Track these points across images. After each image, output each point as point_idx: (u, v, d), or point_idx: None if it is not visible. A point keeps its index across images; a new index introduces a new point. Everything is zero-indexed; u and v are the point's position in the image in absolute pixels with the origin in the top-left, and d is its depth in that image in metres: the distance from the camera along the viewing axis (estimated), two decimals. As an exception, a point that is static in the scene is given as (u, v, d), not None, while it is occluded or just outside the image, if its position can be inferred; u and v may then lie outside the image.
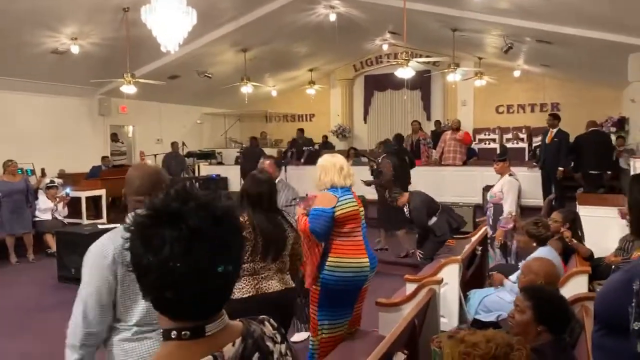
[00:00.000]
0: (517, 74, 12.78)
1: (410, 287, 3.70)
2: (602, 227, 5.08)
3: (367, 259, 3.37)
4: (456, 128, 10.51)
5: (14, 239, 7.54)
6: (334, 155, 3.56)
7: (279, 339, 1.05)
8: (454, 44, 10.32)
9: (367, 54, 14.43)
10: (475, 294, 4.01)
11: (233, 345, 0.93)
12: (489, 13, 8.30)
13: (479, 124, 13.59)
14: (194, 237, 0.87)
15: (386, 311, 3.49)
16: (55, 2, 7.46)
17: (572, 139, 8.74)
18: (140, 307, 1.77)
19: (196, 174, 12.69)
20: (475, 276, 4.82)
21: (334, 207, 3.27)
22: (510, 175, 5.66)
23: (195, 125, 14.79)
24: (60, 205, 8.29)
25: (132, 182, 1.97)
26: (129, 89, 8.91)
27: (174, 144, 11.99)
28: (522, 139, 12.38)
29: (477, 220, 7.67)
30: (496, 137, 12.91)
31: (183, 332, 0.90)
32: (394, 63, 9.58)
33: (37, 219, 7.95)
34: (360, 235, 3.41)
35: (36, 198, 8.07)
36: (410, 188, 8.52)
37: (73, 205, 8.80)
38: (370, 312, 3.64)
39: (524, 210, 7.50)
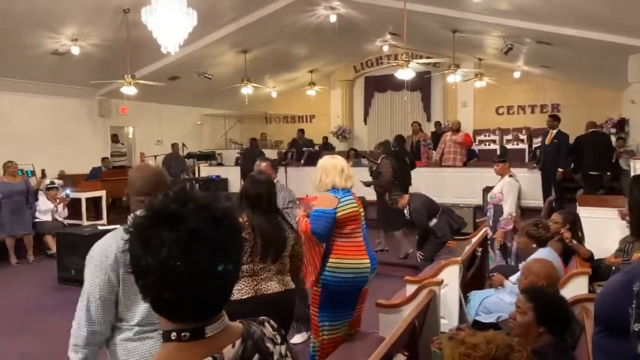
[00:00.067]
0: (517, 75, 12.79)
1: (410, 289, 3.70)
2: (602, 228, 5.08)
3: (368, 260, 3.37)
4: (456, 129, 10.53)
5: (14, 240, 7.54)
6: (334, 156, 3.55)
7: (279, 340, 1.04)
8: (454, 45, 10.33)
9: (367, 55, 14.44)
10: (476, 295, 4.00)
11: (233, 346, 0.93)
12: (489, 14, 8.30)
13: (479, 125, 13.60)
14: (193, 238, 0.87)
15: (386, 312, 3.49)
16: (56, 3, 7.47)
17: (572, 140, 8.75)
18: (142, 306, 1.77)
19: (196, 175, 12.70)
20: (475, 277, 4.82)
21: (336, 208, 3.27)
22: (510, 176, 5.65)
23: (195, 126, 14.79)
24: (60, 207, 8.29)
25: (135, 183, 1.98)
26: (129, 90, 8.92)
27: (174, 145, 12.00)
28: (522, 140, 12.38)
29: (477, 221, 7.67)
30: (496, 138, 12.92)
31: (183, 334, 0.90)
32: (394, 64, 9.58)
33: (37, 220, 7.94)
34: (361, 236, 3.42)
35: (36, 199, 8.07)
36: (411, 189, 8.54)
37: (73, 207, 8.80)
38: (371, 314, 3.64)
39: (524, 212, 7.51)
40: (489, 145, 12.87)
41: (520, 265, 3.96)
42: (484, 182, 8.99)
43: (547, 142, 8.74)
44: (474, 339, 1.86)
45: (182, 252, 0.86)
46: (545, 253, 3.67)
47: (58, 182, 8.97)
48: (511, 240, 5.18)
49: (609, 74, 9.69)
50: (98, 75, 9.73)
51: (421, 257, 6.08)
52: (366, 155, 10.90)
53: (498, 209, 5.56)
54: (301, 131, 13.20)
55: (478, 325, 3.63)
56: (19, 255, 7.60)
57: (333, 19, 9.87)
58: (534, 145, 11.30)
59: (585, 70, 10.88)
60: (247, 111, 14.82)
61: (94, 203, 9.67)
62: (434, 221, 5.95)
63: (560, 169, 8.44)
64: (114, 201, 11.00)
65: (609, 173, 8.82)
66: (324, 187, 3.36)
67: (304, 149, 12.17)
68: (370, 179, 7.82)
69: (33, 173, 9.51)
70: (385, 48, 12.98)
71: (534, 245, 3.86)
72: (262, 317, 1.07)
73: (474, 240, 5.51)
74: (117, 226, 2.33)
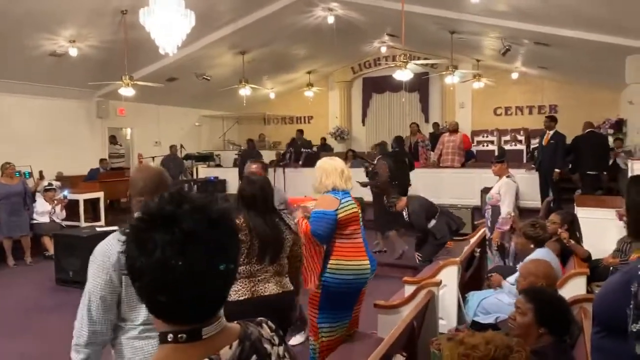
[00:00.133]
0: (515, 76, 12.82)
1: (409, 289, 3.70)
2: (600, 228, 5.09)
3: (368, 262, 3.38)
4: (453, 130, 10.52)
5: (11, 242, 7.52)
6: (333, 158, 3.55)
7: (276, 341, 1.04)
8: (452, 46, 10.34)
9: (365, 56, 14.45)
10: (474, 296, 4.01)
11: (230, 347, 0.92)
12: (487, 15, 8.32)
13: (477, 126, 13.61)
14: (188, 240, 0.86)
15: (385, 313, 3.48)
16: (54, 4, 7.46)
17: (569, 140, 8.77)
18: None
19: (194, 177, 12.68)
20: (473, 278, 4.82)
21: (337, 209, 3.27)
22: (507, 177, 5.66)
23: (193, 127, 14.79)
24: (58, 208, 8.27)
25: (136, 184, 2.00)
26: (127, 91, 8.91)
27: (172, 147, 11.99)
28: (520, 141, 12.39)
29: (475, 222, 7.67)
30: (494, 139, 12.93)
31: (179, 335, 0.90)
32: (392, 65, 9.61)
33: (34, 221, 7.92)
34: (360, 237, 3.42)
35: (34, 201, 8.05)
36: (410, 190, 8.55)
37: (71, 208, 8.78)
38: (369, 315, 3.64)
39: (522, 212, 7.51)
40: (487, 146, 12.87)
41: (519, 266, 3.96)
42: (482, 183, 9.00)
43: (544, 142, 8.76)
44: (473, 339, 1.86)
45: (177, 254, 0.85)
46: (542, 253, 3.68)
47: (56, 183, 8.95)
48: (509, 240, 5.19)
49: (607, 74, 9.71)
50: (96, 77, 9.72)
51: (419, 258, 6.08)
52: (364, 156, 10.91)
53: (496, 210, 5.57)
54: (300, 131, 13.21)
55: (476, 326, 3.63)
56: (16, 257, 7.58)
57: (331, 20, 9.88)
58: (532, 146, 11.32)
59: (583, 71, 10.91)
60: (245, 112, 14.82)
61: (92, 204, 9.65)
62: (432, 222, 5.96)
63: (556, 170, 8.46)
64: (111, 202, 10.98)
65: (605, 172, 8.85)
66: (324, 188, 3.35)
67: (302, 149, 12.16)
68: (366, 179, 7.83)
69: (31, 174, 9.49)
70: (383, 49, 13.00)
71: (532, 246, 3.86)
72: (259, 318, 1.07)
73: (472, 241, 5.51)
74: (115, 227, 2.33)
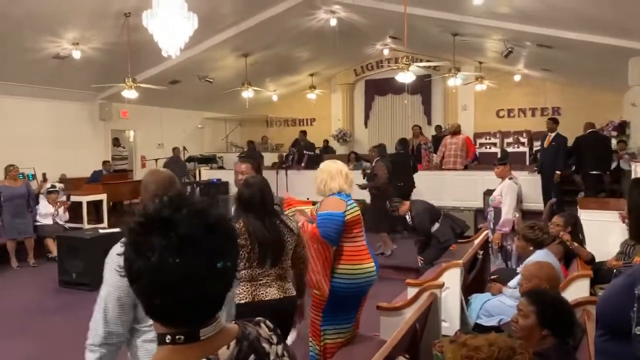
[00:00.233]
0: (517, 78, 12.81)
1: (411, 292, 3.69)
2: (604, 231, 5.07)
3: (373, 264, 3.37)
4: (455, 132, 10.50)
5: (15, 244, 7.54)
6: (336, 161, 3.53)
7: (275, 340, 1.04)
8: (454, 48, 10.34)
9: (367, 58, 14.46)
10: (477, 299, 4.00)
11: (228, 347, 0.93)
12: (490, 18, 8.32)
13: (479, 128, 13.60)
14: (184, 244, 0.86)
15: (387, 315, 3.48)
16: (57, 7, 7.49)
17: (571, 142, 8.77)
18: None
19: (197, 179, 12.70)
20: (476, 280, 4.81)
21: (345, 211, 3.25)
22: (510, 179, 5.65)
23: (196, 129, 14.81)
24: (61, 210, 8.30)
25: (148, 187, 2.04)
26: (130, 93, 8.93)
27: (175, 149, 12.02)
28: (523, 143, 12.38)
29: (479, 226, 7.66)
30: (497, 141, 12.92)
31: (177, 337, 0.90)
32: (394, 67, 9.63)
33: (38, 223, 7.94)
34: (364, 239, 3.41)
35: (37, 203, 8.08)
36: (414, 192, 8.56)
37: (74, 210, 8.80)
38: (372, 317, 3.63)
39: (525, 215, 7.50)
40: (489, 148, 12.86)
41: (519, 269, 3.96)
42: (484, 185, 8.98)
43: (545, 145, 8.76)
44: (476, 341, 1.86)
45: (174, 258, 0.85)
46: (542, 255, 3.67)
47: (59, 185, 8.97)
48: (511, 242, 5.18)
49: (610, 76, 9.69)
50: (99, 79, 9.75)
51: (422, 262, 6.07)
52: (369, 158, 10.91)
53: (498, 212, 5.56)
54: (303, 133, 13.21)
55: (479, 329, 3.62)
56: (20, 259, 7.59)
57: (333, 22, 9.89)
58: (534, 148, 11.31)
59: (586, 73, 10.89)
60: (247, 114, 14.84)
61: (95, 206, 9.67)
62: (436, 226, 5.94)
63: (557, 172, 8.45)
64: (114, 204, 11.01)
65: (608, 173, 8.84)
66: (329, 191, 3.32)
67: (304, 151, 12.16)
68: (364, 182, 7.84)
69: (34, 177, 9.52)
70: (386, 51, 13.01)
71: (531, 248, 3.86)
72: (258, 318, 1.06)
73: (475, 243, 5.50)
74: (118, 229, 2.34)
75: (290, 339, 4.20)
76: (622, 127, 10.58)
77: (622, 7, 6.48)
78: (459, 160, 10.18)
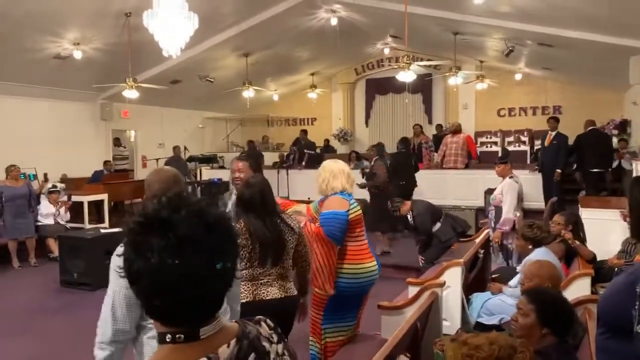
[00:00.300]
0: (518, 77, 12.80)
1: (412, 290, 3.70)
2: (605, 229, 5.07)
3: (375, 262, 3.38)
4: (456, 131, 10.49)
5: (16, 243, 7.55)
6: (337, 161, 3.53)
7: (275, 339, 1.04)
8: (455, 47, 10.33)
9: (368, 57, 14.45)
10: (478, 297, 4.01)
11: (228, 346, 0.93)
12: (490, 16, 8.31)
13: (480, 127, 13.59)
14: (184, 245, 0.86)
15: (388, 314, 3.48)
16: (58, 7, 7.50)
17: (572, 140, 8.76)
18: None
19: (198, 178, 12.70)
20: (477, 279, 4.81)
21: (348, 210, 3.25)
22: (511, 177, 5.65)
23: (197, 129, 14.82)
24: (62, 210, 8.31)
25: (152, 186, 2.05)
26: (131, 93, 8.94)
27: (175, 148, 12.02)
28: (523, 142, 12.38)
29: (479, 224, 7.65)
30: (498, 140, 12.91)
31: (177, 336, 0.90)
32: (395, 67, 9.63)
33: (39, 223, 7.96)
34: (365, 239, 3.42)
35: (38, 203, 8.09)
36: (416, 191, 8.56)
37: (75, 210, 8.82)
38: (373, 316, 3.63)
39: (526, 214, 7.49)
40: (490, 147, 12.85)
41: (519, 268, 3.96)
42: (485, 184, 8.98)
43: (546, 143, 8.75)
44: (477, 340, 1.86)
45: (174, 258, 0.85)
46: (541, 253, 3.67)
47: (60, 185, 8.99)
48: (512, 241, 5.18)
49: (611, 75, 9.69)
50: (100, 79, 9.75)
51: (423, 261, 6.06)
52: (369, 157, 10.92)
53: (499, 211, 5.56)
54: (304, 132, 13.21)
55: (480, 327, 3.63)
56: (21, 259, 7.61)
57: (334, 22, 9.88)
58: (535, 147, 11.30)
59: (586, 72, 10.88)
60: (248, 114, 14.84)
61: (96, 206, 9.68)
62: (437, 226, 5.93)
63: (558, 170, 8.44)
64: (115, 204, 11.02)
65: (610, 170, 8.83)
66: (332, 190, 3.31)
67: (305, 150, 12.16)
68: (363, 180, 7.84)
69: (35, 177, 9.53)
70: (387, 51, 13.00)
71: (530, 247, 3.86)
72: (258, 317, 1.06)
73: (476, 242, 5.50)
74: (120, 229, 2.35)
75: None
76: (623, 126, 10.58)
77: (621, 6, 6.47)
78: (459, 159, 10.18)
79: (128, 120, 12.43)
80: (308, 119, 16.03)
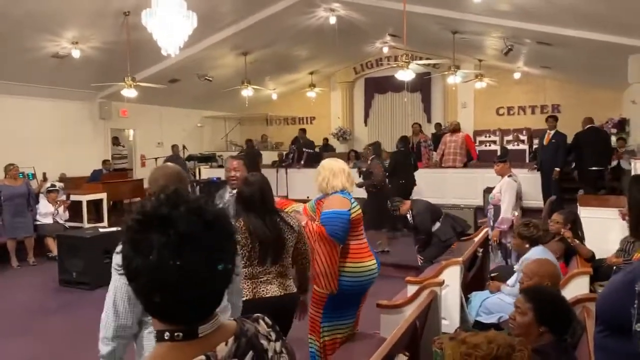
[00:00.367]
0: (517, 75, 12.81)
1: (411, 289, 3.70)
2: (604, 228, 5.08)
3: (375, 261, 3.38)
4: (454, 130, 10.49)
5: (15, 243, 7.55)
6: (336, 159, 3.54)
7: (273, 337, 1.04)
8: (454, 46, 10.33)
9: (367, 56, 14.45)
10: (476, 296, 4.01)
11: (226, 344, 0.93)
12: (489, 15, 8.31)
13: (479, 126, 13.61)
14: (184, 241, 0.86)
15: (387, 313, 3.49)
16: (56, 6, 7.49)
17: (570, 139, 8.77)
18: None
19: (197, 177, 12.70)
20: (476, 278, 4.82)
21: (350, 209, 3.25)
22: (509, 176, 5.66)
23: (195, 128, 14.81)
24: (61, 209, 8.30)
25: (157, 182, 2.07)
26: (129, 92, 8.92)
27: (174, 147, 12.01)
28: (522, 141, 12.39)
29: (478, 223, 7.67)
30: (497, 138, 12.93)
31: (176, 334, 0.90)
32: (394, 65, 9.59)
33: (38, 222, 7.95)
34: (365, 237, 3.42)
35: (37, 202, 8.08)
36: (415, 190, 8.56)
37: (74, 209, 8.81)
38: (372, 314, 3.64)
39: (525, 212, 7.50)
40: (489, 146, 12.87)
41: (516, 267, 3.97)
42: (484, 182, 8.99)
43: (544, 142, 8.75)
44: (475, 338, 1.86)
45: (174, 255, 0.85)
46: (539, 252, 3.68)
47: (59, 184, 8.97)
48: (511, 239, 5.19)
49: (609, 74, 9.69)
50: (99, 78, 9.74)
51: (421, 260, 6.07)
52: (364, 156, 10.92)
53: (498, 209, 5.57)
54: (303, 130, 13.21)
55: (479, 326, 3.63)
56: (20, 258, 7.60)
57: (333, 20, 9.88)
58: (534, 146, 11.31)
59: (585, 70, 10.89)
60: (247, 113, 14.83)
61: (95, 205, 9.68)
62: (437, 225, 5.94)
63: (556, 168, 8.45)
64: (114, 203, 11.01)
65: (609, 167, 8.84)
66: (332, 188, 3.31)
67: (303, 149, 12.16)
68: (360, 180, 7.85)
69: (34, 176, 9.52)
70: (385, 49, 13.00)
71: (527, 245, 3.87)
72: (256, 315, 1.06)
73: (475, 240, 5.51)
74: (119, 229, 2.36)
75: None
76: (622, 125, 10.59)
77: (619, 4, 6.47)
78: (458, 158, 10.18)
79: (127, 119, 12.41)
80: (307, 117, 16.03)
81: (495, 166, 5.87)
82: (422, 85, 13.61)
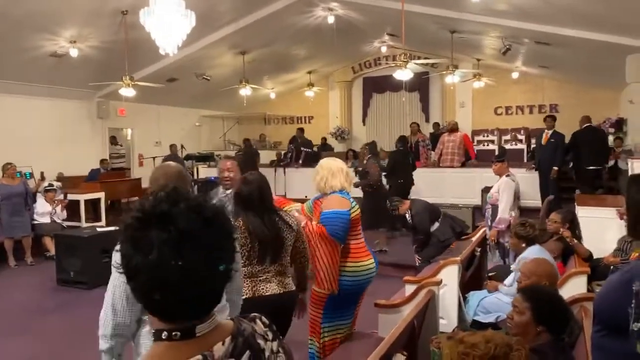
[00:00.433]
0: (515, 75, 12.82)
1: (409, 289, 3.71)
2: (601, 227, 5.09)
3: (373, 260, 3.39)
4: (452, 130, 10.50)
5: (12, 242, 7.53)
6: (335, 159, 3.53)
7: (270, 336, 1.04)
8: (452, 45, 10.34)
9: (365, 56, 14.45)
10: (474, 296, 4.02)
11: (223, 344, 0.93)
12: (488, 15, 8.32)
13: (477, 125, 13.61)
14: (184, 239, 0.86)
15: (385, 312, 3.49)
16: (54, 5, 7.47)
17: (568, 138, 8.78)
18: None
19: (195, 177, 12.68)
20: (474, 277, 4.82)
21: (350, 209, 3.25)
22: (507, 176, 5.66)
23: (193, 127, 14.79)
24: (58, 209, 8.29)
25: (158, 181, 2.07)
26: (127, 91, 8.91)
27: (172, 147, 11.99)
28: (520, 140, 12.39)
29: (477, 225, 7.67)
30: (495, 138, 12.93)
31: (174, 333, 0.90)
32: (392, 65, 9.60)
33: (35, 222, 7.94)
34: (362, 237, 3.42)
35: (35, 201, 8.07)
36: (413, 189, 8.56)
37: (72, 208, 8.79)
38: (370, 314, 3.64)
39: (523, 212, 7.51)
40: (487, 145, 12.87)
41: (513, 266, 3.97)
42: (482, 182, 8.99)
43: (542, 142, 8.76)
44: (473, 338, 1.86)
45: (175, 253, 0.85)
46: (536, 251, 3.68)
47: (56, 184, 8.96)
48: (509, 239, 5.19)
49: (608, 74, 9.71)
50: (96, 77, 9.72)
51: (419, 260, 6.07)
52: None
53: (496, 209, 5.58)
54: (301, 130, 13.20)
55: (477, 326, 3.63)
56: (17, 257, 7.59)
57: (331, 20, 9.88)
58: (532, 146, 11.32)
59: (583, 70, 10.90)
60: (245, 112, 14.82)
61: (93, 205, 9.66)
62: (435, 225, 5.94)
63: (554, 168, 8.46)
64: (112, 203, 10.99)
65: (606, 166, 8.85)
66: (330, 188, 3.30)
67: (301, 148, 12.16)
68: (356, 179, 7.86)
69: (32, 175, 9.50)
70: (384, 49, 13.00)
71: (523, 245, 3.88)
72: (253, 314, 1.06)
73: (473, 240, 5.51)
74: (117, 228, 2.36)
75: None
76: (619, 124, 10.60)
77: (619, 4, 6.49)
78: (456, 157, 10.19)
79: (125, 118, 12.39)
80: (305, 117, 16.02)
81: (493, 166, 5.87)
82: (420, 84, 13.61)
